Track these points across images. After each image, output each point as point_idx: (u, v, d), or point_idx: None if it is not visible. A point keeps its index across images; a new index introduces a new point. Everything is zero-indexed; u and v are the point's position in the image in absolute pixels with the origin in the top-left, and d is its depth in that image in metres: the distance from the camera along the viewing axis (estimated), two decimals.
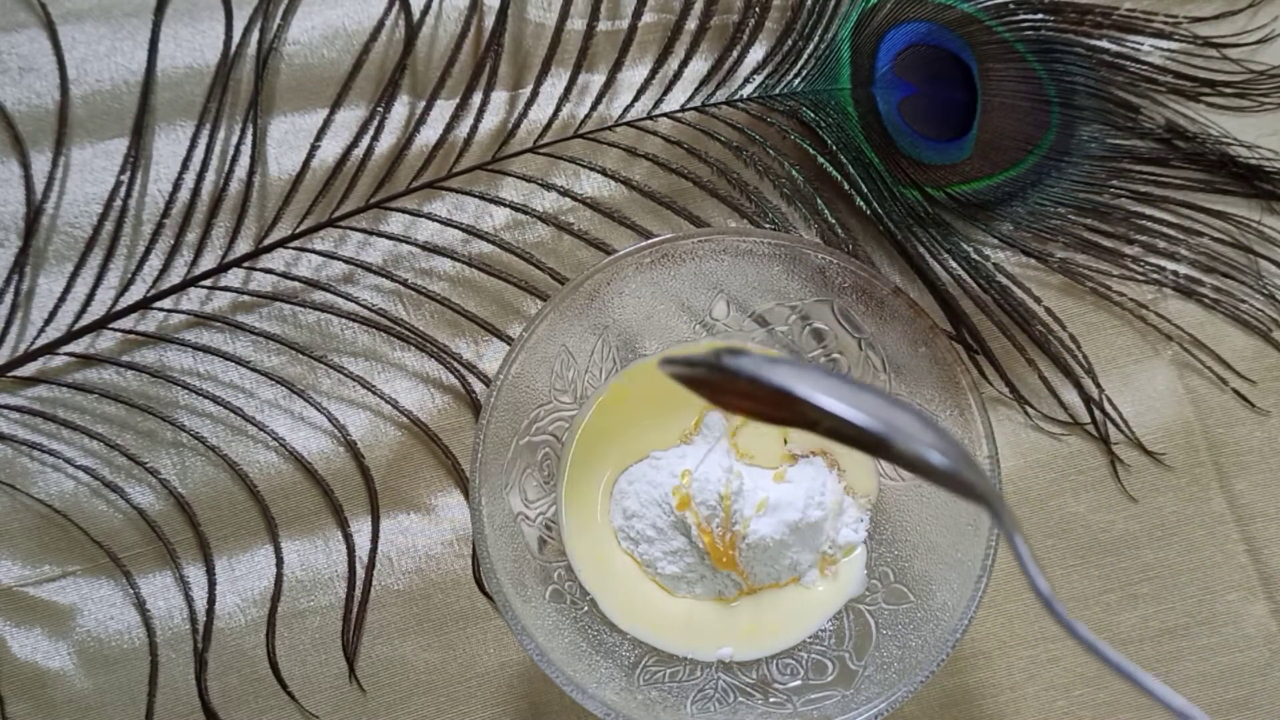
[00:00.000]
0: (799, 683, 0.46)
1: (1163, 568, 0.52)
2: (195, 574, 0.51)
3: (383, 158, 0.54)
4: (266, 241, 0.54)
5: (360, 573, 0.51)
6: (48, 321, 0.53)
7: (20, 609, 0.50)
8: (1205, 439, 0.54)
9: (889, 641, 0.45)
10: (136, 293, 0.53)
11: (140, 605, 0.50)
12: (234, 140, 0.54)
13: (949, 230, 0.54)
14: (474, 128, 0.55)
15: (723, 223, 0.55)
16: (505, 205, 0.54)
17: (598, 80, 0.56)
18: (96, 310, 0.53)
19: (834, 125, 0.54)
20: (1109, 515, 0.52)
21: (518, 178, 0.55)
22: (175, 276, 0.53)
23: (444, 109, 0.55)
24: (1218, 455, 0.53)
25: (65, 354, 0.52)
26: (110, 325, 0.53)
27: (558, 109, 0.55)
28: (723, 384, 0.34)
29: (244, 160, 0.54)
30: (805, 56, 0.55)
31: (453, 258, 0.54)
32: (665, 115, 0.55)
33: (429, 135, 0.55)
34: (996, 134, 0.56)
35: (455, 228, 0.54)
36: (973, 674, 0.51)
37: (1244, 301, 0.55)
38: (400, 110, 0.55)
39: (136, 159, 0.54)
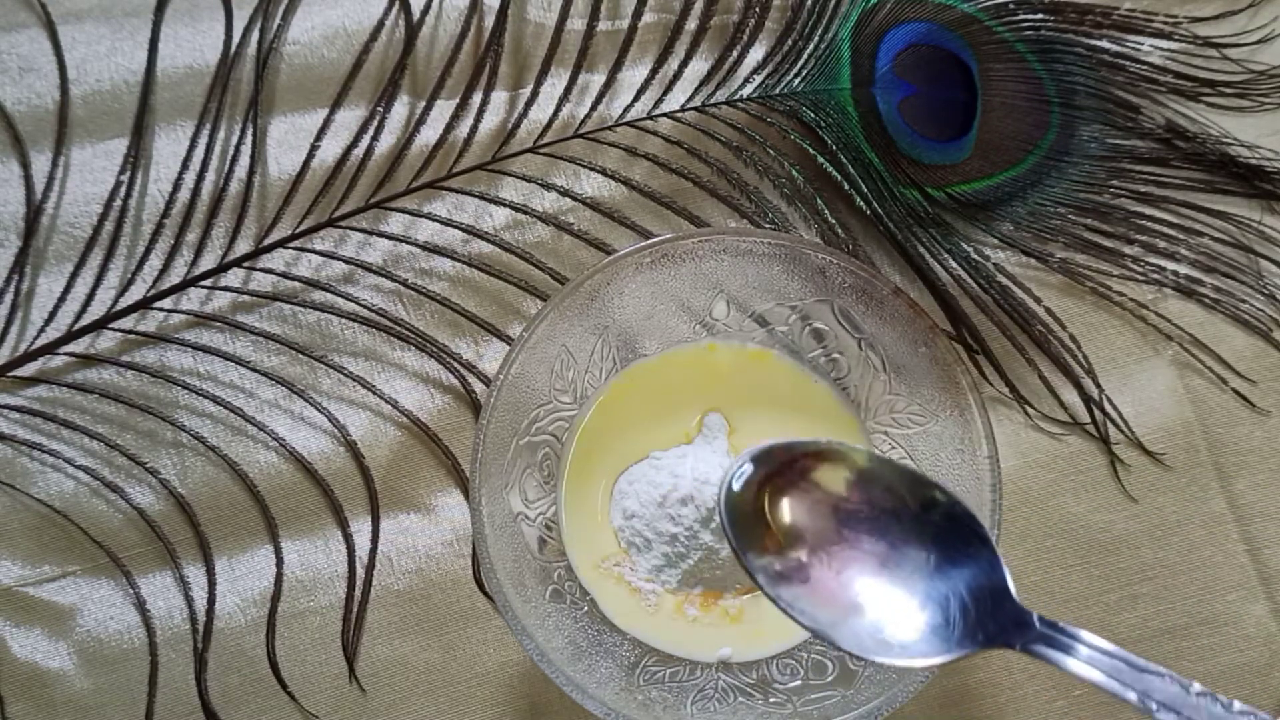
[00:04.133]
0: (799, 683, 0.46)
1: (1162, 568, 0.52)
2: (195, 574, 0.51)
3: (383, 158, 0.54)
4: (266, 241, 0.54)
5: (360, 573, 0.51)
6: (48, 321, 0.53)
7: (20, 609, 0.50)
8: (1205, 439, 0.54)
9: None
10: (136, 293, 0.53)
11: (140, 605, 0.50)
12: (234, 140, 0.54)
13: (949, 230, 0.54)
14: (474, 128, 0.55)
15: (723, 223, 0.55)
16: (505, 205, 0.54)
17: (598, 80, 0.56)
18: (96, 310, 0.53)
19: (834, 125, 0.54)
20: (1109, 515, 0.52)
21: (518, 178, 0.55)
22: (175, 276, 0.53)
23: (444, 109, 0.55)
24: (1218, 455, 0.53)
25: (65, 354, 0.52)
26: (110, 325, 0.53)
27: (558, 109, 0.55)
28: None
29: (244, 160, 0.54)
30: (805, 56, 0.55)
31: (453, 258, 0.54)
32: (665, 115, 0.55)
33: (429, 135, 0.55)
34: (996, 134, 0.56)
35: (455, 228, 0.54)
36: (973, 674, 0.51)
37: (1244, 301, 0.55)
38: (400, 110, 0.55)
39: (136, 159, 0.54)
